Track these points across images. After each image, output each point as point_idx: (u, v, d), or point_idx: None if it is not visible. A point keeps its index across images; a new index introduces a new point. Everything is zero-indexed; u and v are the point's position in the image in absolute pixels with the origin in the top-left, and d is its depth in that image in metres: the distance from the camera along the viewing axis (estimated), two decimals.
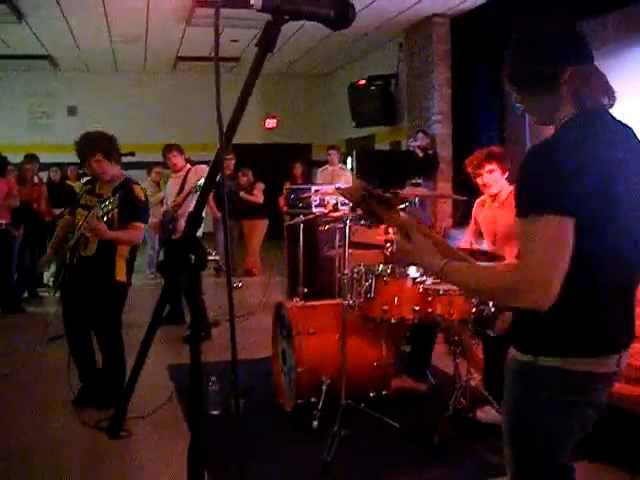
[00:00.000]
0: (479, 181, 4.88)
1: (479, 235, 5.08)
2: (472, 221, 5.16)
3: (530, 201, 1.90)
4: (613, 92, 2.08)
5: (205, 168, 7.48)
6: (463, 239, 5.21)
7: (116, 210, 4.76)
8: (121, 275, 5.07)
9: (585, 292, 1.97)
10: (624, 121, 2.10)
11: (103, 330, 5.17)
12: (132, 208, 4.99)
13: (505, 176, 4.87)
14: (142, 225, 5.06)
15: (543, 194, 1.87)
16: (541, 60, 2.06)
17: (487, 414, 4.48)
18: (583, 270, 1.90)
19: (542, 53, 2.07)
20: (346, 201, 8.42)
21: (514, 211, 1.97)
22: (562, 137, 2.00)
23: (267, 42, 1.55)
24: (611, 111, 2.08)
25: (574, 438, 2.13)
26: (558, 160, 1.88)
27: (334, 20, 1.60)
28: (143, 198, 5.13)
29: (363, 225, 5.23)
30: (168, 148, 7.92)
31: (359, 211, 2.59)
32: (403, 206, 4.83)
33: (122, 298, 5.17)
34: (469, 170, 4.92)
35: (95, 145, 5.03)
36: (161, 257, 9.11)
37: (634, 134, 2.10)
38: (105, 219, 4.69)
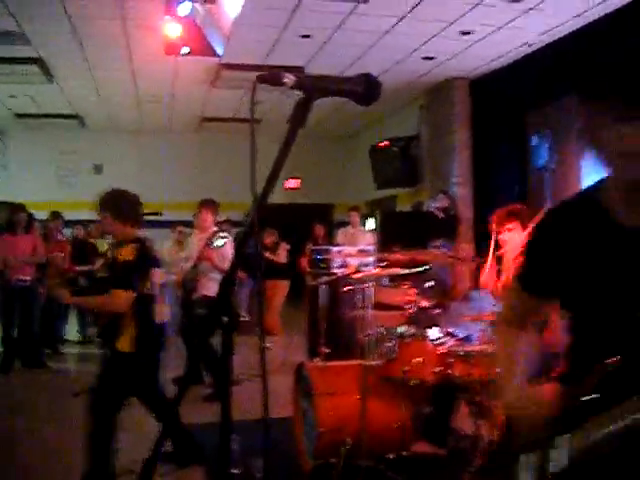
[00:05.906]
0: (501, 237, 4.96)
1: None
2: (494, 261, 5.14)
3: None
4: None
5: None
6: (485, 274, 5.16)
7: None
8: (123, 344, 4.63)
9: None
10: None
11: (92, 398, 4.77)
12: (111, 273, 4.75)
13: (525, 233, 4.93)
14: (119, 291, 4.52)
15: None
16: None
17: None
18: None
19: None
20: (368, 262, 8.48)
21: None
22: None
23: (299, 119, 1.62)
24: None
25: None
26: None
27: (362, 97, 1.66)
28: (128, 258, 4.56)
29: None
30: (204, 203, 7.64)
31: None
32: (423, 268, 4.90)
33: (122, 369, 4.71)
34: (493, 228, 5.02)
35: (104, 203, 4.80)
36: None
37: None
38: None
